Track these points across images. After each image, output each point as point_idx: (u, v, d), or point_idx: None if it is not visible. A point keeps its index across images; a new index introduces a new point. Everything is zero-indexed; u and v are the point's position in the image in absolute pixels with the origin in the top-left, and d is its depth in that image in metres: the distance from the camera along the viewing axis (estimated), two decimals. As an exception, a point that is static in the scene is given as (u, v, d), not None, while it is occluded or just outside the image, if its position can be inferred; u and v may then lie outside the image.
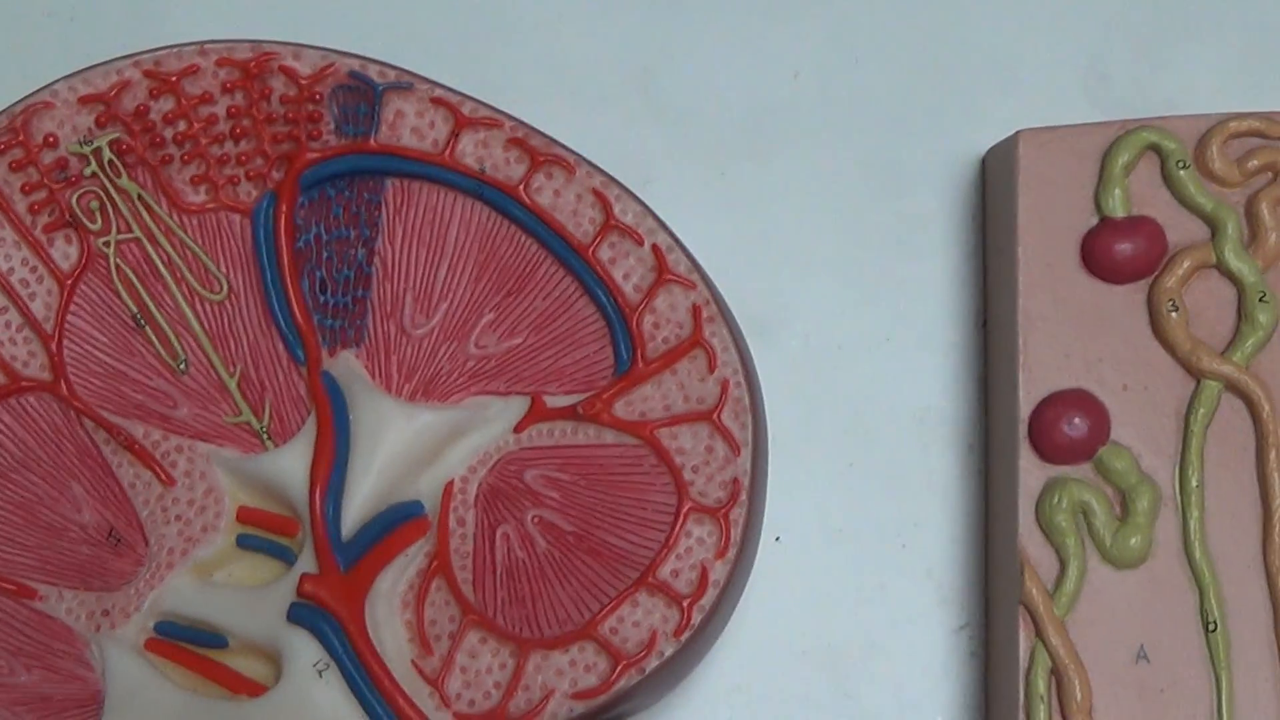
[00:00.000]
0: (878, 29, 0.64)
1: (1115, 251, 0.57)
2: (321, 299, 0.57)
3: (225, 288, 0.57)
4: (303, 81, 0.57)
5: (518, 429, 0.56)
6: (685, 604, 0.55)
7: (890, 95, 0.63)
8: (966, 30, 0.64)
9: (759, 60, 0.64)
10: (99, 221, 0.57)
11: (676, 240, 0.56)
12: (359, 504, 0.56)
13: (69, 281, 0.57)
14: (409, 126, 0.57)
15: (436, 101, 0.57)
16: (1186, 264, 0.57)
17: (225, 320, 0.57)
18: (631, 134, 0.63)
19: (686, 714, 0.61)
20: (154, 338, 0.57)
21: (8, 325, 0.57)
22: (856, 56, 0.64)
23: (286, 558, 0.56)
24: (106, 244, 0.57)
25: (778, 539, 0.61)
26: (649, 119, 0.63)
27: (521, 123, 0.57)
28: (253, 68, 0.57)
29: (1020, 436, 0.57)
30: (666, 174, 0.63)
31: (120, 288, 0.57)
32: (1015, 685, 0.56)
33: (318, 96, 0.57)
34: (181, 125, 0.57)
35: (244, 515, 0.57)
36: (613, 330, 0.56)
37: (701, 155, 0.63)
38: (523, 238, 0.57)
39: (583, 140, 0.60)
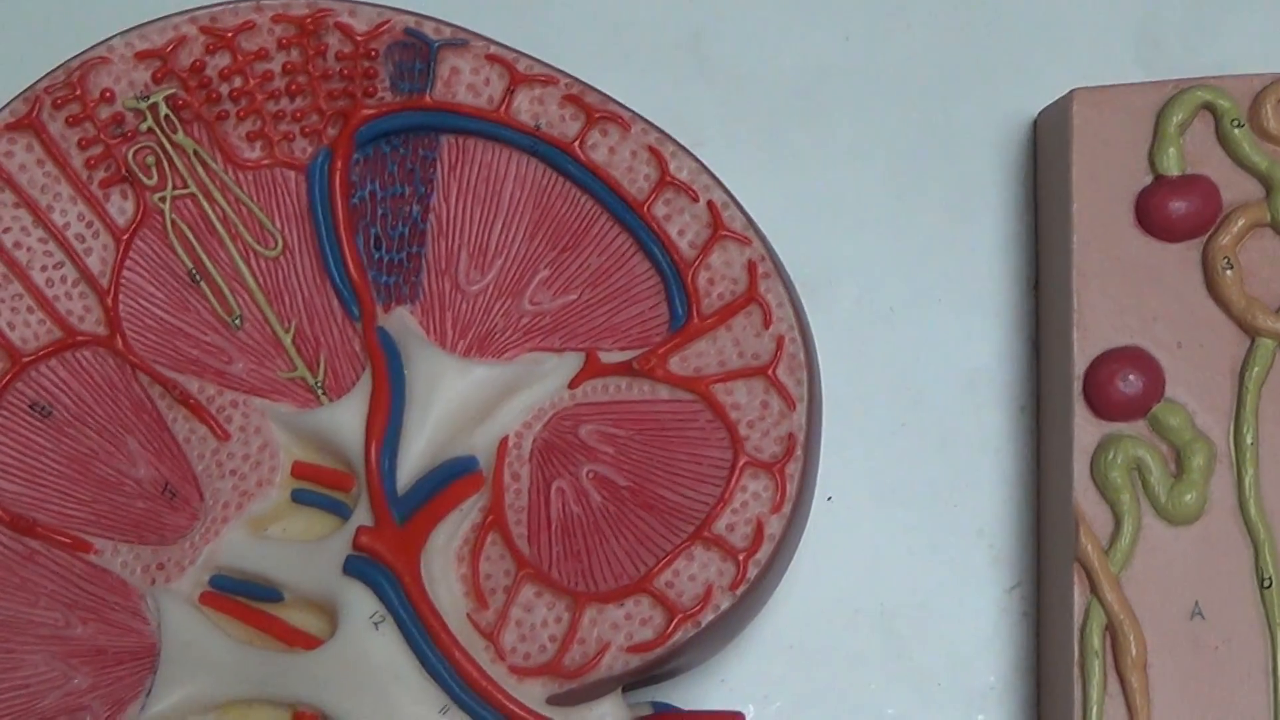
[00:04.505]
0: (928, -8, 0.64)
1: (1170, 210, 0.57)
2: (376, 255, 0.57)
3: (280, 244, 0.57)
4: (358, 38, 0.57)
5: (572, 385, 0.57)
6: (741, 558, 0.55)
7: (941, 57, 0.64)
8: (1017, -7, 0.64)
9: (810, 23, 0.64)
10: (155, 177, 0.57)
11: (731, 197, 0.57)
12: (414, 458, 0.56)
13: (125, 237, 0.57)
14: (464, 83, 0.57)
15: (492, 58, 0.57)
16: (1241, 222, 0.57)
17: (280, 276, 0.57)
18: (683, 97, 0.63)
19: (740, 672, 0.61)
20: (209, 293, 0.57)
21: (64, 280, 0.57)
22: (908, 19, 0.64)
23: (341, 513, 0.56)
24: (162, 199, 0.57)
25: (830, 499, 0.61)
26: (700, 82, 0.64)
27: (576, 79, 0.57)
28: (308, 24, 0.57)
29: (1075, 393, 0.57)
30: (718, 137, 0.63)
31: (176, 243, 0.57)
32: (1070, 642, 0.56)
33: (373, 53, 0.57)
34: (237, 81, 0.57)
35: (299, 470, 0.57)
36: (668, 286, 0.57)
37: (753, 118, 0.63)
38: (578, 194, 0.57)
39: (634, 102, 0.60)
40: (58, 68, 0.57)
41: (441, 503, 0.56)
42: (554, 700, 0.55)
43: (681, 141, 0.60)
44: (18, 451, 0.57)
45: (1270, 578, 0.56)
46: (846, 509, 0.61)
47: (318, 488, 0.57)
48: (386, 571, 0.55)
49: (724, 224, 0.56)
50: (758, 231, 0.56)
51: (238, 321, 0.57)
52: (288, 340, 0.57)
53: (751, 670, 0.61)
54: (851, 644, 0.61)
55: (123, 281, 0.57)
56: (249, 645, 0.55)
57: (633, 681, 0.55)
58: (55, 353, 0.57)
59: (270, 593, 0.56)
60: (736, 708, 0.61)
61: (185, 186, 0.57)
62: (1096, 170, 0.58)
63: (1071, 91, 0.59)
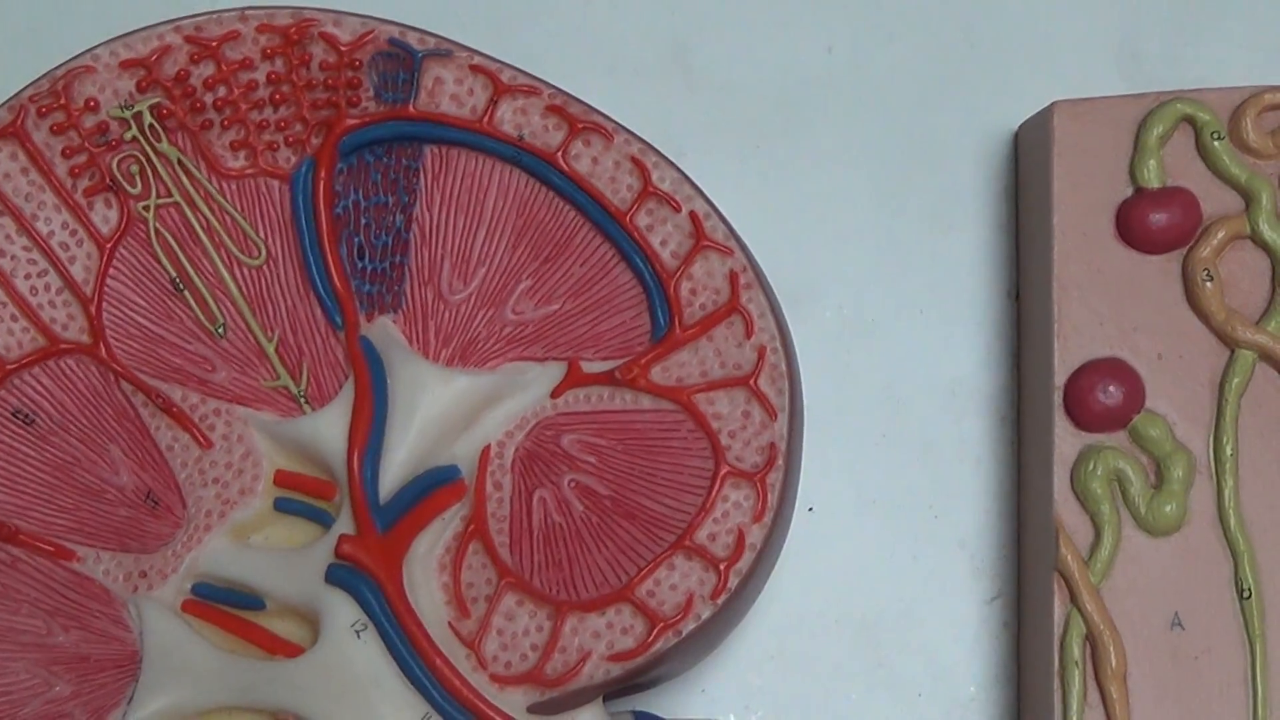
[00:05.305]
0: (911, 4, 0.64)
1: (1150, 221, 0.58)
2: (359, 265, 0.57)
3: (264, 253, 0.58)
4: (342, 48, 0.57)
5: (554, 394, 0.57)
6: (722, 567, 0.55)
7: (923, 70, 0.64)
8: (999, 6, 0.64)
9: (793, 34, 0.64)
10: (139, 186, 0.57)
11: (714, 207, 0.57)
12: (396, 467, 0.56)
13: (109, 245, 0.57)
14: (448, 93, 0.57)
15: (475, 69, 0.57)
16: (1221, 234, 0.58)
17: (264, 285, 0.58)
18: (666, 108, 0.64)
19: (721, 681, 0.61)
20: (192, 302, 0.57)
21: (47, 288, 0.57)
22: (890, 31, 0.64)
23: (323, 521, 0.56)
24: (146, 208, 0.57)
25: (811, 509, 0.61)
26: (683, 93, 0.64)
27: (560, 90, 0.57)
28: (293, 34, 0.57)
29: (1055, 404, 0.57)
30: (701, 148, 0.63)
31: (159, 252, 0.57)
32: (1050, 652, 0.56)
33: (357, 63, 0.57)
34: (221, 91, 0.57)
35: (281, 479, 0.57)
36: (650, 296, 0.57)
37: (735, 129, 0.64)
38: (560, 204, 0.57)
39: (618, 113, 0.60)
40: (42, 77, 0.57)
41: (423, 511, 0.56)
42: (535, 709, 0.55)
43: (664, 152, 0.60)
44: (0, 459, 0.57)
45: (1249, 588, 0.56)
46: (828, 519, 0.62)
47: (300, 496, 0.57)
48: (368, 580, 0.55)
49: (706, 234, 0.56)
50: (740, 242, 0.57)
51: (221, 330, 0.57)
52: (271, 349, 0.57)
53: (732, 680, 0.61)
54: (832, 654, 0.61)
55: (106, 290, 0.57)
56: (231, 653, 0.56)
57: (614, 690, 0.56)
58: (38, 361, 0.57)
59: (252, 601, 0.56)
60: (717, 717, 0.61)
61: (169, 195, 0.58)
62: (1077, 182, 0.58)
63: (1052, 104, 0.59)
